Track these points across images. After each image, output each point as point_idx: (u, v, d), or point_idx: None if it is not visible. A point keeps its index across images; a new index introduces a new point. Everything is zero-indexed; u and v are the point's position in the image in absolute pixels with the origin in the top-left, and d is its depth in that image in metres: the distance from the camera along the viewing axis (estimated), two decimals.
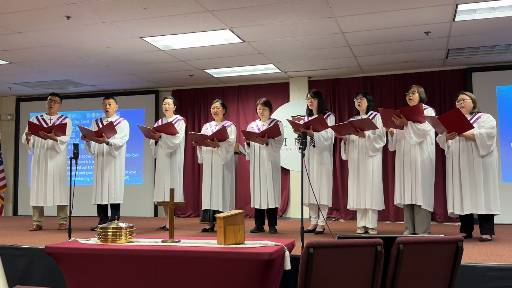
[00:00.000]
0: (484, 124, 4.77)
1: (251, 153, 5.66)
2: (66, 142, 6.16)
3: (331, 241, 2.42)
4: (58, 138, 5.98)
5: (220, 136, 5.52)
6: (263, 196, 5.53)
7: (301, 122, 5.60)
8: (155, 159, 6.17)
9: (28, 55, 6.73)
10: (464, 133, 4.72)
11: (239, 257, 2.94)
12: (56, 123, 6.09)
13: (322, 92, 5.72)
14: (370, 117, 5.27)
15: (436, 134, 5.03)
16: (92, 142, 5.97)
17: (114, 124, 5.94)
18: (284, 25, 5.56)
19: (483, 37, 6.04)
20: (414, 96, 5.10)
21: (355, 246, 2.44)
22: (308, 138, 5.32)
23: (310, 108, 5.56)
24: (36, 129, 5.94)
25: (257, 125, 5.72)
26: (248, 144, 5.66)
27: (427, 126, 4.88)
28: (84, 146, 6.09)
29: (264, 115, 5.68)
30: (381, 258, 2.45)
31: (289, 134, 7.65)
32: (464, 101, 4.89)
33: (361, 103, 5.35)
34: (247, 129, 5.71)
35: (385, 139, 5.26)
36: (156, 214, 8.65)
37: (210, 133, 5.64)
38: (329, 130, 5.37)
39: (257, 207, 5.58)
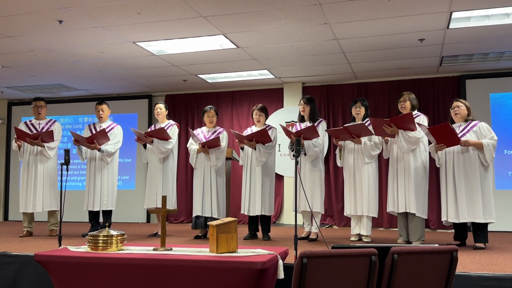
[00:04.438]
0: (485, 134, 4.74)
1: (244, 157, 5.63)
2: (55, 148, 6.10)
3: (325, 251, 2.39)
4: (45, 144, 5.92)
5: (212, 145, 5.50)
6: (252, 202, 5.48)
7: (294, 128, 5.60)
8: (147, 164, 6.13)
9: (20, 59, 6.67)
10: (472, 142, 4.68)
11: (231, 266, 2.90)
12: (45, 128, 6.03)
13: (316, 98, 5.71)
14: (366, 124, 5.26)
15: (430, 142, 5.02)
16: (84, 147, 5.91)
17: (107, 130, 5.89)
18: (279, 31, 5.54)
19: (477, 45, 6.05)
20: (406, 104, 5.11)
21: (349, 256, 2.40)
22: None
23: (302, 114, 5.55)
24: (23, 136, 5.88)
25: (251, 131, 5.69)
26: (242, 149, 5.64)
27: (418, 134, 4.87)
28: (76, 151, 6.03)
29: (260, 121, 5.65)
30: (375, 268, 2.42)
31: (283, 140, 7.63)
32: (459, 108, 4.89)
33: (360, 111, 5.35)
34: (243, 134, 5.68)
35: (381, 146, 5.26)
36: (148, 220, 8.59)
37: (203, 139, 5.62)
38: (320, 137, 5.35)
39: (245, 213, 5.55)
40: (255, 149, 5.44)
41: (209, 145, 5.51)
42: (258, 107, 5.68)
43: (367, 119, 5.36)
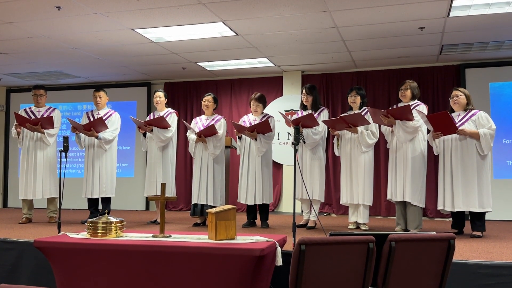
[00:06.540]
0: (483, 123, 4.74)
1: (242, 146, 5.63)
2: (55, 135, 6.09)
3: (323, 238, 2.41)
4: (45, 131, 5.91)
5: (208, 133, 5.49)
6: (250, 191, 5.49)
7: (294, 116, 5.60)
8: (146, 152, 6.13)
9: (19, 46, 6.63)
10: (468, 131, 4.69)
11: (230, 253, 2.92)
12: (45, 115, 6.02)
13: (315, 87, 5.70)
14: (363, 113, 5.25)
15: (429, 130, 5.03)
16: (83, 135, 5.91)
17: (105, 117, 5.88)
18: (278, 18, 5.51)
19: (477, 34, 6.03)
20: (407, 92, 5.11)
21: (347, 243, 2.42)
22: None
23: (304, 103, 5.54)
24: (23, 121, 5.87)
25: (249, 119, 5.68)
26: (240, 138, 5.63)
27: (416, 123, 4.87)
28: (74, 139, 6.03)
29: (257, 110, 5.65)
30: (373, 255, 2.44)
31: (282, 129, 7.63)
32: (458, 97, 4.89)
33: (355, 100, 5.35)
34: (239, 123, 5.67)
35: (378, 135, 5.27)
36: (147, 208, 8.61)
37: (201, 127, 5.61)
38: (320, 125, 5.35)
39: (243, 202, 5.56)
40: (256, 139, 5.43)
41: (205, 134, 5.51)
42: (256, 96, 5.66)
43: (364, 107, 5.36)
